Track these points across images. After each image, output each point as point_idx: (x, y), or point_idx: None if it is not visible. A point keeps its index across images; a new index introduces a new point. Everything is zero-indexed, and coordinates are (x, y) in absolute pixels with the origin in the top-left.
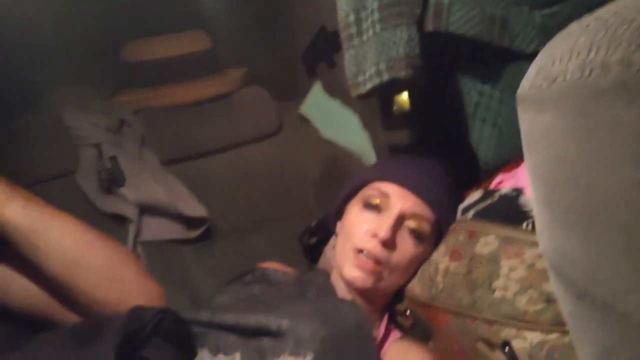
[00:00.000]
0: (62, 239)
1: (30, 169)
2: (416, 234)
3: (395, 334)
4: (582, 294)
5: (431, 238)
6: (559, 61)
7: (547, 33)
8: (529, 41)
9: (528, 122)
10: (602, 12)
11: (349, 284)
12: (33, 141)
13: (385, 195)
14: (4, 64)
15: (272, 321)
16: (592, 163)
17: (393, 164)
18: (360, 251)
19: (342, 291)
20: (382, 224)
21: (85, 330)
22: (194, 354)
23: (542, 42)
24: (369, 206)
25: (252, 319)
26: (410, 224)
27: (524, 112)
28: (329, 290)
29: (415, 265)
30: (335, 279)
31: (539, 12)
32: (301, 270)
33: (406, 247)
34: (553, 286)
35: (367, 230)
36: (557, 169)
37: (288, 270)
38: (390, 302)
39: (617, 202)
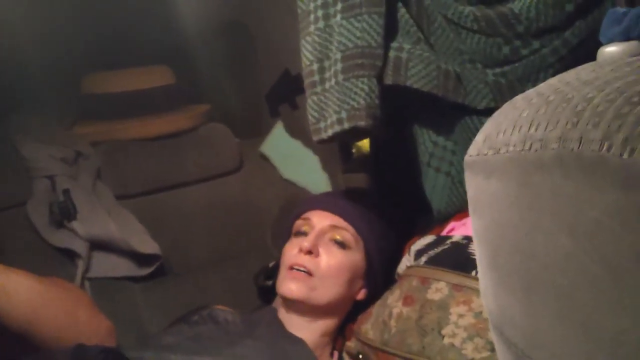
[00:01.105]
0: (18, 296)
1: None
2: (339, 243)
3: None
4: (521, 356)
5: (356, 247)
6: (504, 133)
7: (498, 90)
8: (481, 97)
9: (475, 187)
10: (545, 87)
11: (286, 298)
12: None
13: (308, 220)
14: None
15: None
16: (533, 230)
17: (317, 195)
18: (292, 267)
19: (289, 324)
20: (306, 240)
21: None
22: None
23: (494, 99)
24: (298, 234)
25: None
26: (332, 235)
27: (471, 177)
28: (278, 325)
29: (347, 273)
30: (282, 314)
31: (491, 70)
32: (250, 310)
33: (331, 254)
34: (495, 345)
35: (295, 250)
36: (502, 234)
37: (235, 311)
38: (337, 339)
39: (553, 269)
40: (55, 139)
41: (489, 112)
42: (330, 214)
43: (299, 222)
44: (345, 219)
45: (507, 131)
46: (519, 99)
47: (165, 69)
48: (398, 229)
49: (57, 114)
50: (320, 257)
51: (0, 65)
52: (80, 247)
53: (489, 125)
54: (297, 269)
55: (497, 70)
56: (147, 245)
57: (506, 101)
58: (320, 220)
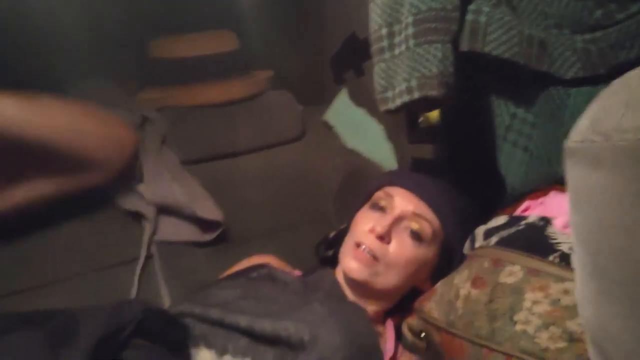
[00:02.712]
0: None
1: None
2: (415, 235)
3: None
4: None
5: (432, 242)
6: (615, 116)
7: (588, 58)
8: (568, 66)
9: (577, 177)
10: None
11: (346, 275)
12: None
13: (390, 197)
14: (32, 55)
15: (291, 332)
16: None
17: (405, 172)
18: (358, 245)
19: (348, 293)
20: (382, 222)
21: (61, 326)
22: (188, 354)
23: (583, 68)
24: (375, 207)
25: (268, 326)
26: (411, 224)
27: (573, 165)
28: (339, 292)
29: (414, 266)
30: (341, 281)
31: (580, 36)
32: (307, 271)
33: (403, 245)
34: (592, 358)
35: (368, 227)
36: (608, 236)
37: (291, 270)
38: (396, 309)
39: None
40: (123, 103)
41: (576, 82)
42: (417, 198)
43: (379, 194)
44: (431, 206)
45: (619, 114)
46: (633, 75)
47: (229, 33)
48: (478, 211)
49: (123, 79)
50: (390, 244)
51: (68, 31)
52: (148, 210)
53: (596, 107)
54: (364, 250)
55: (587, 36)
56: (211, 211)
57: (597, 71)
58: (403, 201)
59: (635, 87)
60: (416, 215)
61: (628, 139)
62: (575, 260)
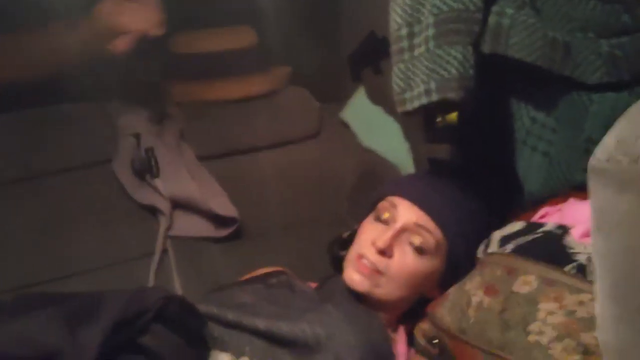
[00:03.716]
0: None
1: (70, 154)
2: (417, 248)
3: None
4: None
5: (436, 253)
6: None
7: (613, 63)
8: (592, 71)
9: (602, 199)
10: None
11: (348, 286)
12: (75, 126)
13: (394, 207)
14: None
15: (307, 333)
16: None
17: (410, 180)
18: (361, 257)
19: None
20: (383, 235)
21: (82, 307)
22: (205, 348)
23: (608, 73)
24: (379, 219)
25: (285, 327)
26: (413, 237)
27: (598, 186)
28: (351, 299)
29: (418, 279)
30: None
31: (606, 41)
32: (321, 280)
33: (406, 258)
34: None
35: (370, 239)
36: (633, 262)
37: (308, 284)
38: (408, 315)
39: None
40: (142, 97)
41: (600, 87)
42: (419, 209)
43: (383, 204)
44: (434, 218)
45: None
46: None
47: (248, 29)
48: (490, 217)
49: (143, 73)
50: (392, 258)
51: None
52: (163, 204)
53: (624, 125)
54: (366, 263)
55: (613, 40)
56: (226, 207)
57: (621, 76)
58: (406, 213)
59: None
60: (419, 227)
61: None
62: (597, 282)
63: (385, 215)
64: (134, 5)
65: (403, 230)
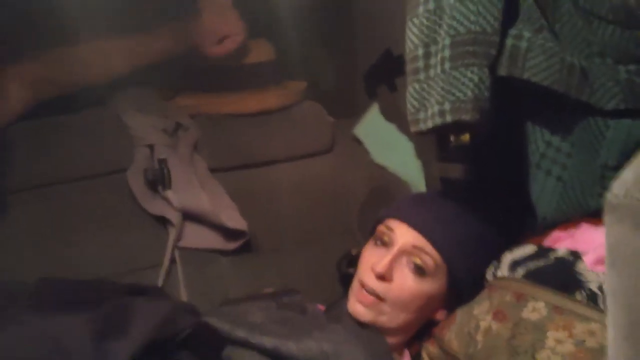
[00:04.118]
0: None
1: (84, 162)
2: (417, 269)
3: None
4: None
5: (436, 275)
6: None
7: (631, 90)
8: (609, 97)
9: (618, 235)
10: None
11: (352, 316)
12: (90, 135)
13: (391, 231)
14: None
15: (315, 352)
16: None
17: (408, 202)
18: (362, 286)
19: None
20: (382, 260)
21: (115, 315)
22: None
23: (625, 100)
24: (379, 243)
25: (293, 347)
26: (412, 258)
27: (614, 222)
28: (358, 321)
29: (421, 301)
30: None
31: (624, 67)
32: (328, 306)
33: (406, 281)
34: None
35: (370, 264)
36: None
37: (318, 306)
38: (414, 339)
39: None
40: (158, 109)
41: (616, 113)
42: (416, 232)
43: (381, 228)
44: (431, 240)
45: None
46: None
47: (265, 44)
48: (498, 239)
49: (159, 85)
50: (392, 282)
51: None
52: (173, 215)
53: None
54: (367, 291)
55: (632, 67)
56: (235, 220)
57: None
58: (403, 236)
59: None
60: (416, 249)
61: None
62: (610, 319)
63: (384, 238)
64: (236, 13)
65: (401, 253)
